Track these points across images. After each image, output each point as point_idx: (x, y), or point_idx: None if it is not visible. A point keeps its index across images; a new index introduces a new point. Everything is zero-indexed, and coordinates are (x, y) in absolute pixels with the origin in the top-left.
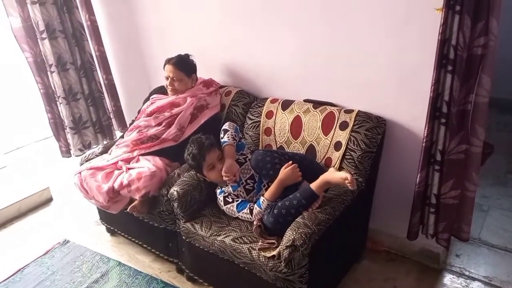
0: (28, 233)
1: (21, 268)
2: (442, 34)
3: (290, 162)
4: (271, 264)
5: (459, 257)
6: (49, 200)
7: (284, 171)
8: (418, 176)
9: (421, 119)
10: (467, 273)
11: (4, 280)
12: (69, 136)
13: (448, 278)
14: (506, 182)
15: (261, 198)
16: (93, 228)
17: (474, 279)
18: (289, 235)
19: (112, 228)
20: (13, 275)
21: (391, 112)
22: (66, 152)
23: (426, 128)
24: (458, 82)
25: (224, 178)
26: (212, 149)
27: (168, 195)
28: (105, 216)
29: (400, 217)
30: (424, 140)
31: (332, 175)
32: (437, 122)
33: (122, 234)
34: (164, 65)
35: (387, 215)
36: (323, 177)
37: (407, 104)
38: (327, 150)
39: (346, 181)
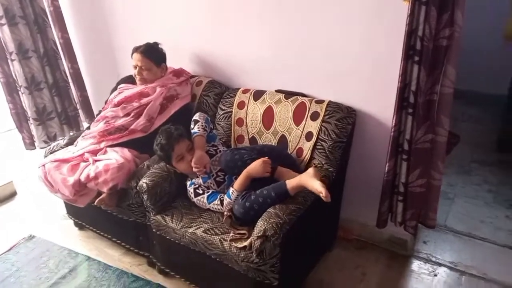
0: None
1: None
2: (409, 25)
3: (267, 157)
4: (242, 255)
5: (426, 244)
6: (12, 195)
7: (254, 162)
8: (387, 165)
9: (390, 109)
10: (433, 259)
11: None
12: (32, 128)
13: (416, 264)
14: (470, 170)
15: (231, 189)
16: (60, 222)
17: (440, 264)
18: (260, 226)
19: (80, 222)
20: None
21: (361, 102)
22: (30, 144)
23: (394, 118)
24: (425, 73)
25: (194, 170)
26: (181, 140)
27: (138, 187)
28: (72, 210)
29: (370, 206)
30: (392, 130)
31: (310, 182)
32: (404, 112)
33: (91, 228)
34: (132, 54)
35: (358, 204)
36: (301, 181)
37: (376, 94)
38: (299, 141)
39: (321, 195)
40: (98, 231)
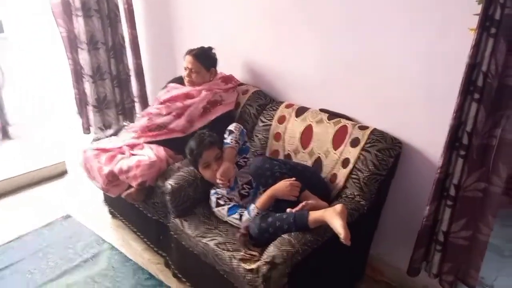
0: (36, 203)
1: (21, 236)
2: (472, 57)
3: (293, 178)
4: (249, 277)
5: None
6: (63, 174)
7: (281, 182)
8: (427, 208)
9: (439, 147)
10: None
11: (2, 245)
12: (91, 114)
13: None
14: None
15: (252, 206)
16: (97, 207)
17: None
18: (270, 251)
19: (113, 210)
20: (11, 241)
21: (410, 135)
22: (87, 129)
23: (442, 159)
24: (484, 113)
25: (218, 181)
26: (211, 147)
27: (162, 188)
28: (108, 198)
29: (405, 248)
30: (438, 171)
31: (332, 220)
32: (455, 153)
33: (121, 218)
34: (185, 56)
35: (392, 244)
36: (324, 215)
37: (427, 128)
38: (334, 166)
39: (340, 236)
40: (126, 222)
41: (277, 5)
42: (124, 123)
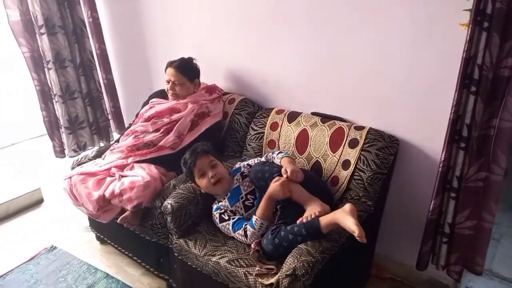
0: (14, 236)
1: (4, 274)
2: (467, 52)
3: (283, 176)
4: None
5: None
6: (39, 202)
7: (273, 184)
8: (432, 203)
9: (437, 141)
10: None
11: None
12: (63, 136)
13: None
14: None
15: (254, 217)
16: (83, 234)
17: None
18: (290, 263)
19: (101, 236)
20: None
21: (405, 131)
22: (60, 152)
23: (444, 152)
24: (482, 105)
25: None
26: (204, 155)
27: (162, 208)
28: (95, 224)
29: (408, 244)
30: (441, 165)
31: (345, 221)
32: (455, 146)
33: (112, 243)
34: (166, 68)
35: (395, 241)
36: (335, 217)
37: (422, 124)
38: (334, 168)
39: (354, 234)
40: (119, 248)
41: (254, 10)
42: (101, 143)
